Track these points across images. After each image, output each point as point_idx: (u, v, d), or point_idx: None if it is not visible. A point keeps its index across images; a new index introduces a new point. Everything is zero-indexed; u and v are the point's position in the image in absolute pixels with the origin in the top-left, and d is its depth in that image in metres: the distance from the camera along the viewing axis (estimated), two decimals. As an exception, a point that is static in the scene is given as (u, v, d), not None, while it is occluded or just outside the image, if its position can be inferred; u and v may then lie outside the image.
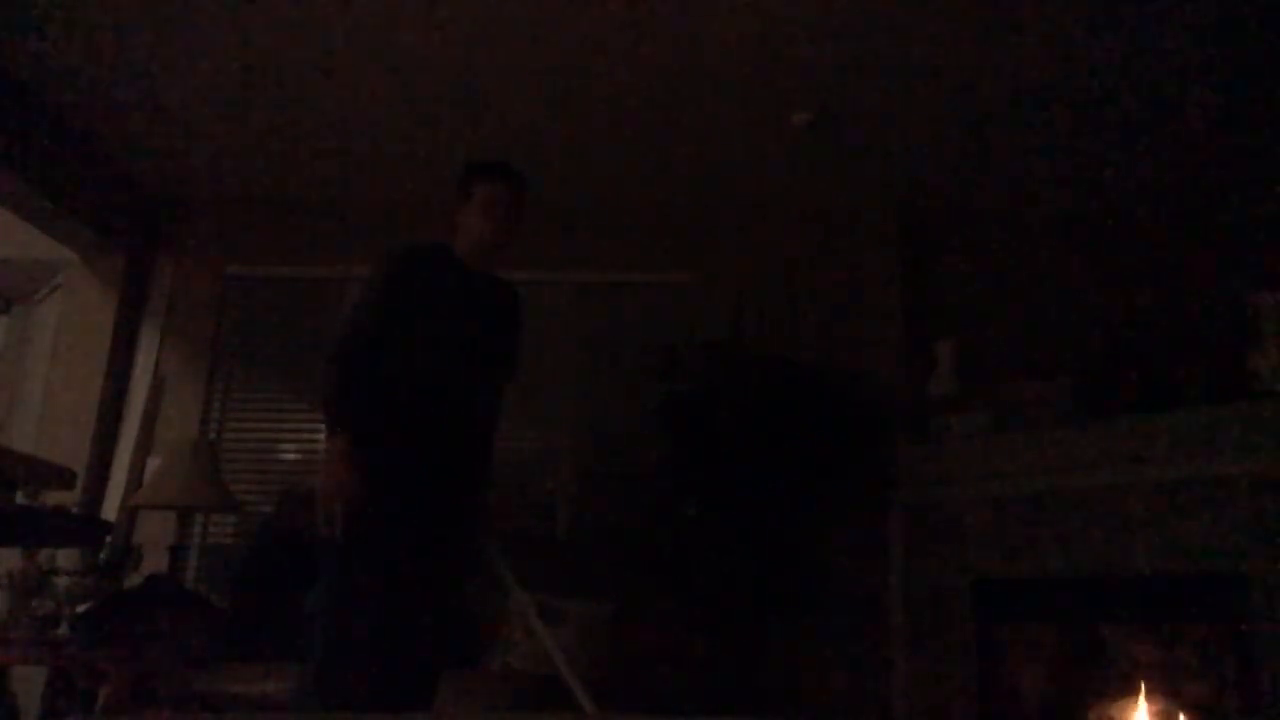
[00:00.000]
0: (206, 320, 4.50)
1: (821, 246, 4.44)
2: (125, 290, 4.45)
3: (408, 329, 2.56)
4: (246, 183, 4.49)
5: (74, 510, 3.67)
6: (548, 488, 4.32)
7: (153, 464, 4.19)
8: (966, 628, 3.66)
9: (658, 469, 3.91)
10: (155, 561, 3.69)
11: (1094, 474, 3.42)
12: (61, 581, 3.28)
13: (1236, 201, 4.12)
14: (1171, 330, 3.88)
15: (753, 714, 3.17)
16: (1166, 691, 3.29)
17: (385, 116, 3.90)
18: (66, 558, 3.38)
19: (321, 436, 4.39)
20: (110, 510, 4.11)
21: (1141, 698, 3.29)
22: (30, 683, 3.56)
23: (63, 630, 3.12)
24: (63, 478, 2.91)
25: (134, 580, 3.62)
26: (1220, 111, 3.61)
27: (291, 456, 4.48)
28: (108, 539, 3.64)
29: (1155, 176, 4.06)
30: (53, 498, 3.10)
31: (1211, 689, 3.21)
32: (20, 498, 2.85)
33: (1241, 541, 3.10)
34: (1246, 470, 3.12)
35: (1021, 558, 3.56)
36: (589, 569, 3.83)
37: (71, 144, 4.04)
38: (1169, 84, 3.46)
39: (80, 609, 3.20)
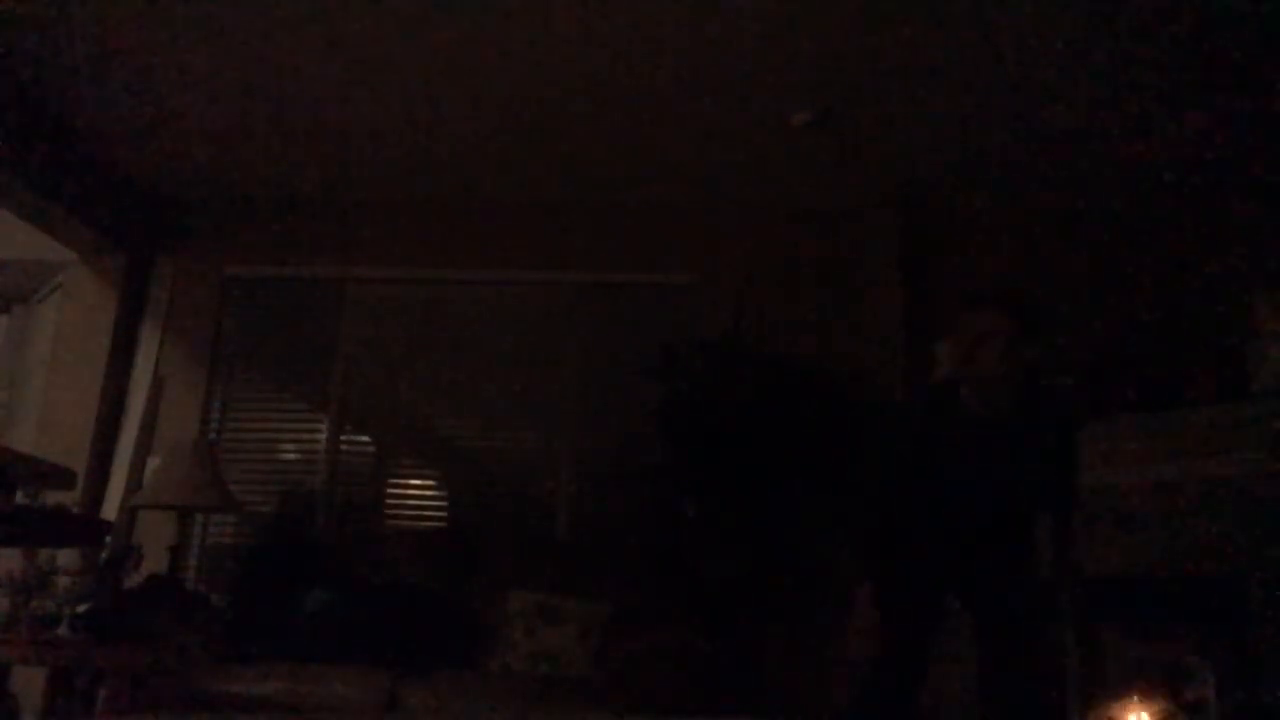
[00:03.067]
0: (206, 320, 4.51)
1: (821, 246, 4.44)
2: (125, 290, 4.45)
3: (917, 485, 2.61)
4: (246, 183, 4.49)
5: (74, 510, 3.67)
6: (548, 488, 4.32)
7: (153, 464, 4.19)
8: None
9: (658, 469, 3.90)
10: (155, 561, 3.69)
11: (1094, 474, 3.42)
12: (61, 581, 3.28)
13: (1236, 201, 4.11)
14: (1171, 330, 3.88)
15: (753, 714, 3.17)
16: (1166, 691, 3.29)
17: (385, 116, 3.90)
18: (66, 558, 3.39)
19: (321, 436, 4.43)
20: (110, 510, 4.11)
21: (1141, 698, 3.30)
22: (30, 683, 3.56)
23: (63, 630, 3.12)
24: (63, 478, 2.91)
25: (134, 580, 3.62)
26: (1220, 111, 3.61)
27: (291, 456, 4.48)
28: (108, 539, 3.64)
29: (1155, 176, 4.06)
30: (53, 498, 3.10)
31: (1211, 689, 3.21)
32: (20, 498, 2.85)
33: (1241, 541, 3.11)
34: (1246, 470, 3.12)
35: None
36: (589, 569, 3.83)
37: (71, 144, 4.04)
38: (1169, 84, 3.46)
39: (80, 609, 3.20)
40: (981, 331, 2.47)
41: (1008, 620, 2.54)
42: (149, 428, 4.30)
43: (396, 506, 4.46)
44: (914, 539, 2.59)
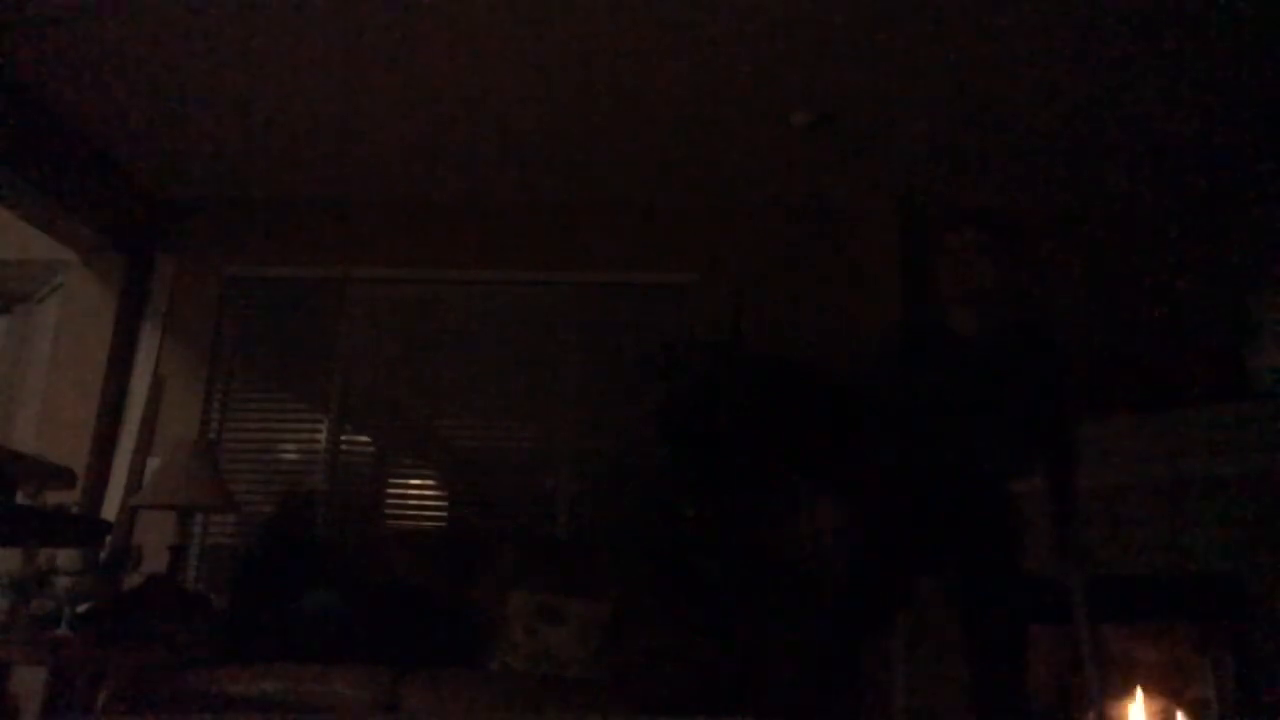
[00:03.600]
0: (206, 320, 4.51)
1: (821, 246, 4.44)
2: (125, 290, 4.45)
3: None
4: (246, 183, 4.49)
5: (74, 510, 3.67)
6: (548, 488, 4.32)
7: (153, 464, 4.19)
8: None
9: (657, 469, 3.90)
10: (155, 561, 3.69)
11: (1094, 474, 3.42)
12: (61, 581, 3.27)
13: (1236, 201, 4.11)
14: (1171, 330, 3.87)
15: (753, 714, 3.17)
16: (1166, 691, 3.29)
17: (386, 116, 3.90)
18: (66, 558, 3.38)
19: (321, 436, 4.43)
20: (110, 510, 4.11)
21: (1141, 698, 3.30)
22: (30, 683, 3.56)
23: (63, 630, 3.11)
24: (63, 478, 2.91)
25: (134, 580, 3.62)
26: (1220, 111, 3.61)
27: (291, 456, 4.48)
28: (108, 539, 3.64)
29: (1155, 176, 4.06)
30: (53, 498, 3.10)
31: (1211, 689, 3.22)
32: (20, 498, 2.84)
33: (1241, 541, 3.11)
34: (1246, 470, 3.12)
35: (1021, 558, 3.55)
36: (589, 569, 3.83)
37: (71, 144, 4.04)
38: (1169, 84, 3.46)
39: (80, 609, 3.19)
40: (961, 250, 2.47)
41: (994, 626, 2.46)
42: (149, 428, 4.30)
43: (396, 506, 4.46)
44: (901, 485, 2.51)
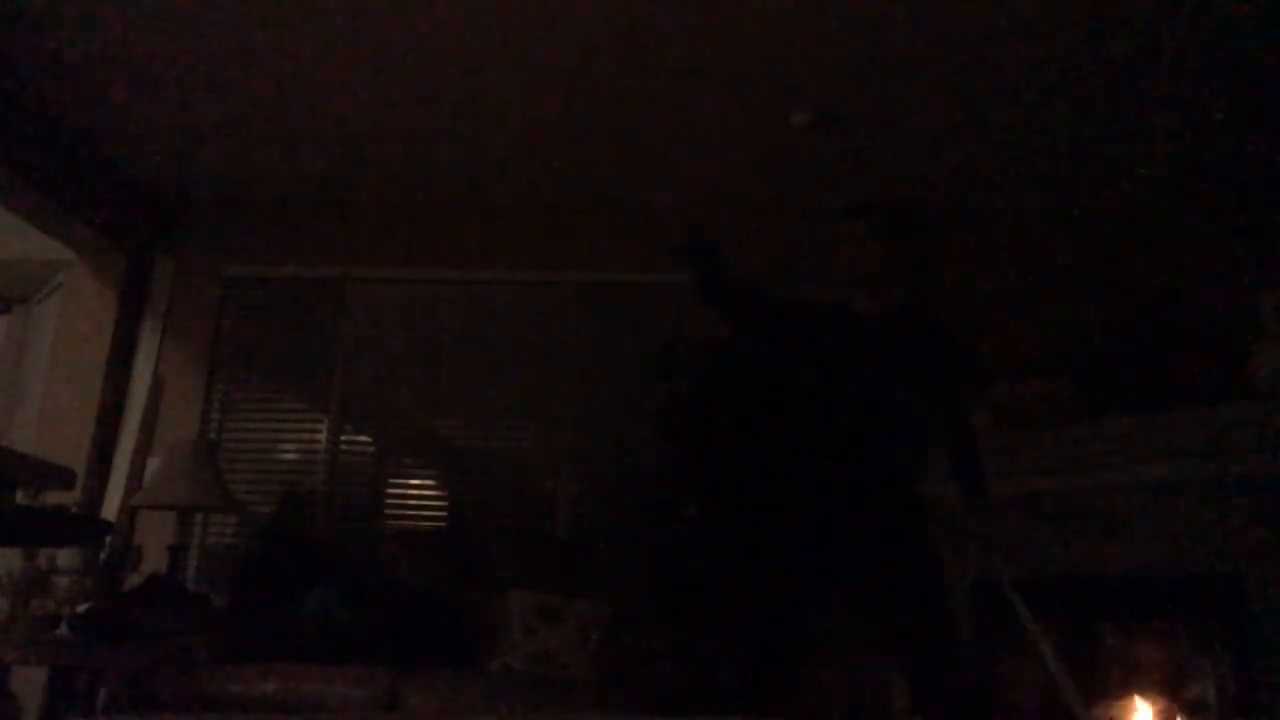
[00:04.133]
0: (206, 320, 4.51)
1: (821, 246, 4.43)
2: (125, 290, 4.45)
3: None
4: (246, 183, 4.49)
5: (74, 510, 3.67)
6: (548, 488, 4.32)
7: (153, 464, 4.19)
8: (966, 628, 3.65)
9: (658, 469, 3.90)
10: (155, 561, 3.69)
11: (1094, 474, 3.43)
12: (61, 581, 3.28)
13: (1237, 201, 4.11)
14: (1171, 330, 3.88)
15: (753, 714, 3.17)
16: (1166, 691, 3.29)
17: (385, 116, 3.90)
18: (66, 558, 3.39)
19: (321, 436, 4.43)
20: (110, 510, 4.11)
21: (1141, 698, 3.30)
22: (30, 683, 3.56)
23: (63, 630, 3.12)
24: (63, 478, 2.90)
25: (134, 580, 3.62)
26: (1221, 111, 3.61)
27: (291, 456, 4.48)
28: (108, 539, 3.64)
29: (1156, 176, 4.06)
30: (53, 498, 3.10)
31: (1211, 689, 3.22)
32: (20, 498, 2.84)
33: (1241, 541, 3.11)
34: (1246, 470, 3.12)
35: (1021, 558, 3.56)
36: (589, 569, 3.83)
37: (71, 144, 4.04)
38: (1170, 83, 3.46)
39: (80, 609, 3.20)
40: (849, 239, 2.66)
41: (916, 626, 2.40)
42: (149, 428, 4.30)
43: (396, 506, 4.46)
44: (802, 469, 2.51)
